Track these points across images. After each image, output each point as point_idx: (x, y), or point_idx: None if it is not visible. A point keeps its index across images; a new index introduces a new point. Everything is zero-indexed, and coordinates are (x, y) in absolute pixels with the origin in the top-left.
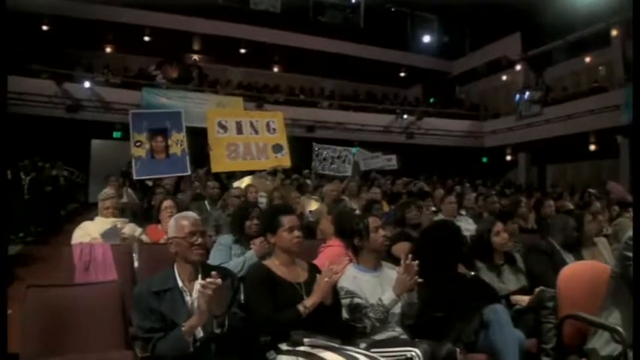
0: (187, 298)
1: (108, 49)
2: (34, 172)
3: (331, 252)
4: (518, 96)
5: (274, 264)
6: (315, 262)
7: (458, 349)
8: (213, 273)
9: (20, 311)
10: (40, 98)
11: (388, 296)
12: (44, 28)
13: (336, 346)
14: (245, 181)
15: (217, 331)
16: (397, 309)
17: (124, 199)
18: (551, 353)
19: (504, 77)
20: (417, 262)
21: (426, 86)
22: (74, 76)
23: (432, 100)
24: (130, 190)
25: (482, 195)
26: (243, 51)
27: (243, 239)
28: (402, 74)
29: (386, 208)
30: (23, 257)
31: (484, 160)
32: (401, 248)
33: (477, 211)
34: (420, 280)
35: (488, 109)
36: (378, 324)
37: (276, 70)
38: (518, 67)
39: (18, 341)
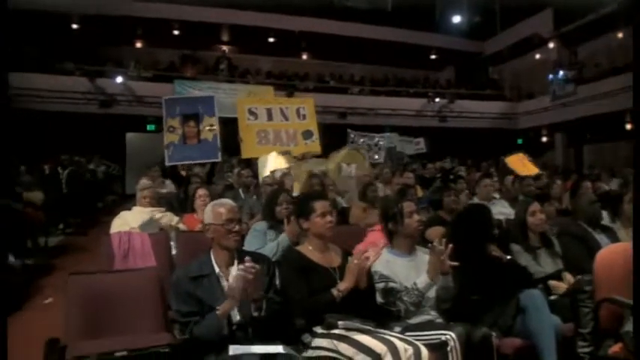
0: (224, 284)
1: (138, 44)
2: (72, 167)
3: (373, 237)
4: (551, 76)
5: (308, 249)
6: (359, 245)
7: (494, 334)
8: (248, 258)
9: (62, 298)
10: (75, 95)
11: (423, 280)
12: (74, 26)
13: (371, 329)
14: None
15: (255, 314)
16: (432, 293)
17: (165, 190)
18: (587, 337)
19: (537, 56)
20: (449, 245)
21: (457, 68)
22: (106, 72)
23: (464, 82)
24: (168, 180)
25: (517, 178)
26: (271, 40)
27: (276, 225)
28: (433, 57)
29: (420, 192)
30: (63, 248)
31: (519, 141)
32: (435, 232)
33: (512, 195)
34: (455, 263)
35: (522, 89)
36: (413, 308)
37: (305, 57)
38: (551, 45)
39: (59, 327)
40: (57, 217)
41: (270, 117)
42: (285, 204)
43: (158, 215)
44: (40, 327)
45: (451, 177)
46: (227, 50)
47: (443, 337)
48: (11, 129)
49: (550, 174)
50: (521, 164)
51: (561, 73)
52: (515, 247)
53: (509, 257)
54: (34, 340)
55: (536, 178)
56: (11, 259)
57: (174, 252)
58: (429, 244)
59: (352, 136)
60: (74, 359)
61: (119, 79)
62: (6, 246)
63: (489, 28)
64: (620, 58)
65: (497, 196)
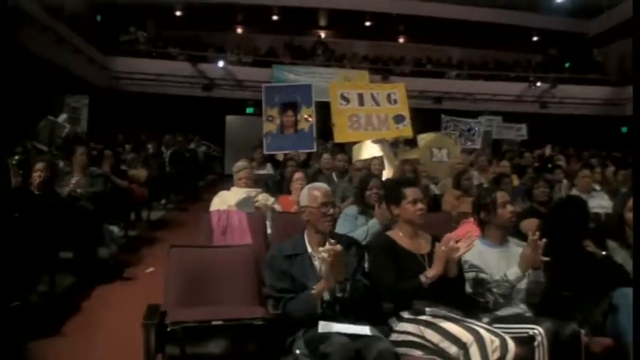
0: (316, 263)
1: (238, 30)
2: (175, 147)
3: (467, 228)
4: None
5: (398, 235)
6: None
7: (583, 331)
8: (331, 240)
9: (162, 268)
10: (178, 79)
11: (513, 272)
12: (177, 14)
13: (458, 317)
14: (363, 149)
15: (339, 294)
16: (522, 285)
17: (263, 171)
18: None
19: None
20: (543, 239)
21: (560, 50)
22: (208, 57)
23: (567, 65)
24: (269, 163)
25: (620, 169)
26: (368, 24)
27: (366, 209)
28: (535, 38)
29: (516, 181)
30: (164, 222)
31: (624, 130)
32: (529, 225)
33: (613, 187)
34: (547, 258)
35: (628, 72)
36: (502, 300)
37: (401, 41)
38: None
39: (159, 295)
40: (159, 193)
41: (361, 102)
42: (376, 189)
43: (254, 194)
44: (141, 294)
45: (549, 166)
46: (324, 35)
47: (531, 332)
48: (118, 110)
49: None
50: None
51: None
52: (612, 244)
53: (604, 253)
54: (137, 306)
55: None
56: (115, 229)
57: (269, 231)
58: (526, 236)
59: (446, 120)
60: (173, 324)
61: (220, 64)
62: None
63: (595, 6)
64: None
65: (597, 187)
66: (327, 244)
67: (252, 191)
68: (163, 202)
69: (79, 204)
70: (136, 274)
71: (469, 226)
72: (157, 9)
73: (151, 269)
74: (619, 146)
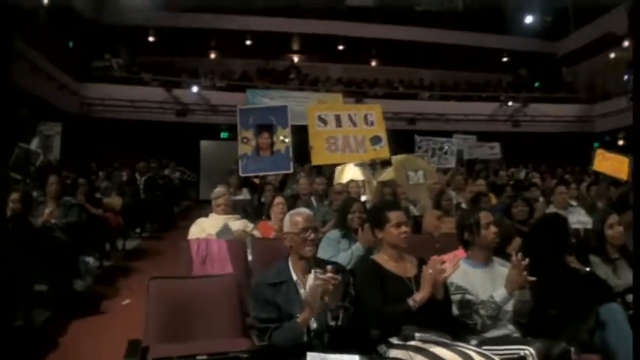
0: (301, 291)
1: (212, 55)
2: (149, 173)
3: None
4: (627, 76)
5: (383, 259)
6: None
7: (572, 349)
8: (329, 267)
9: (140, 301)
10: (152, 105)
11: (500, 293)
12: (151, 39)
13: (448, 341)
14: (345, 172)
15: (332, 323)
16: (509, 306)
17: (240, 197)
18: None
19: (612, 55)
20: (526, 259)
21: (530, 70)
22: (182, 82)
23: (537, 84)
24: (245, 188)
25: (593, 184)
26: (341, 47)
27: (349, 233)
28: (505, 59)
29: (493, 200)
30: (140, 251)
31: (596, 145)
32: (511, 245)
33: (589, 202)
34: (533, 278)
35: (597, 90)
36: (489, 321)
37: (374, 64)
38: (626, 43)
39: (138, 328)
40: (134, 222)
41: (339, 123)
42: (358, 213)
43: (233, 222)
44: (119, 327)
45: (525, 184)
46: (297, 59)
47: (521, 352)
48: (91, 137)
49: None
50: (609, 164)
51: None
52: (594, 259)
53: (587, 269)
54: (116, 340)
55: (617, 184)
56: (90, 260)
57: (250, 258)
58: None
59: (418, 140)
60: None
61: (194, 89)
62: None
63: (562, 28)
64: None
65: (574, 203)
66: (313, 271)
67: (231, 218)
68: (138, 230)
69: (54, 235)
70: (113, 306)
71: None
72: (129, 35)
73: (127, 301)
74: (591, 162)
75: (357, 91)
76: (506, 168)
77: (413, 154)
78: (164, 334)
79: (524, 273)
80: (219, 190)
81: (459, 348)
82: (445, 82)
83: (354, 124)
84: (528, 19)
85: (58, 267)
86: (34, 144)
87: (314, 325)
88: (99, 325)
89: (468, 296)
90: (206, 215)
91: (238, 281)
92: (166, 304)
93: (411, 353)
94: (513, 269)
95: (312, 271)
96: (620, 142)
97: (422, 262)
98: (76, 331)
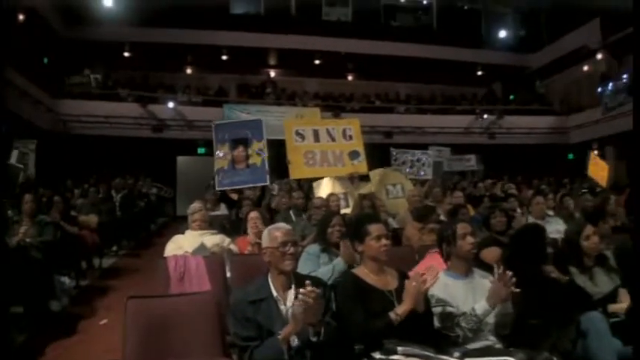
0: (282, 307)
1: (188, 70)
2: (125, 190)
3: (431, 260)
4: (600, 89)
5: (364, 272)
6: (416, 268)
7: (555, 358)
8: (308, 282)
9: (118, 320)
10: (128, 120)
11: (481, 306)
12: (126, 54)
13: (431, 354)
14: (324, 185)
15: (313, 339)
16: (490, 318)
17: (217, 212)
18: None
19: (585, 68)
20: (510, 272)
21: (505, 84)
22: (158, 97)
23: (511, 97)
24: (223, 204)
25: (567, 195)
26: (317, 62)
27: (328, 248)
28: (480, 73)
29: (471, 211)
30: (116, 270)
31: (570, 156)
32: (490, 254)
33: (566, 212)
34: (517, 289)
35: (571, 102)
36: (471, 334)
37: (350, 78)
38: (599, 56)
39: (116, 348)
40: (111, 240)
41: (317, 138)
42: (338, 226)
43: (208, 237)
44: (97, 349)
45: (502, 195)
46: (274, 74)
47: None
48: (67, 153)
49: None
50: (596, 170)
51: (611, 84)
52: (572, 269)
53: (567, 278)
54: None
55: (593, 192)
56: (66, 280)
57: (228, 275)
58: (488, 266)
59: (394, 153)
60: None
61: (170, 105)
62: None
63: (536, 41)
64: None
65: (551, 213)
66: (294, 286)
67: (207, 233)
68: (115, 248)
69: (29, 254)
70: (90, 327)
71: (431, 259)
72: (105, 50)
73: (104, 321)
74: (566, 173)
75: (334, 105)
76: (483, 180)
77: (390, 168)
78: (143, 354)
79: (508, 286)
80: (196, 205)
81: None
82: (421, 95)
83: (333, 139)
84: (502, 34)
85: (33, 287)
86: (13, 157)
87: (295, 341)
88: (76, 346)
89: (449, 308)
90: (183, 232)
91: (217, 298)
92: (144, 323)
93: None
94: (497, 283)
95: (292, 286)
96: (595, 153)
97: (402, 274)
98: (53, 352)
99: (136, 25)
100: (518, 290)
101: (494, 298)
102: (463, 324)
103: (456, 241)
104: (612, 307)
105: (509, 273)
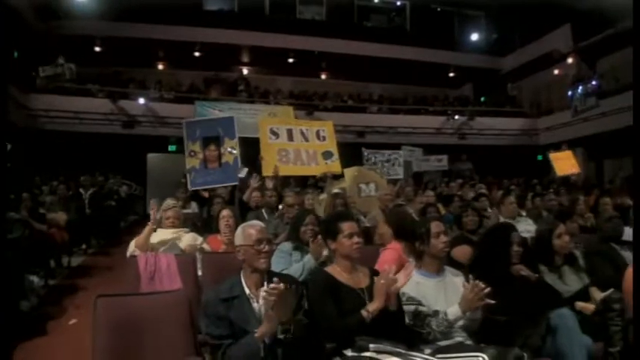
0: (255, 305)
1: (160, 66)
2: (94, 187)
3: (386, 256)
4: (570, 92)
5: (336, 270)
6: (376, 266)
7: (525, 355)
8: (275, 279)
9: (87, 320)
10: (97, 116)
11: (453, 312)
12: (97, 49)
13: (402, 351)
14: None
15: (281, 337)
16: (460, 323)
17: (190, 210)
18: (617, 357)
19: (556, 71)
20: (483, 285)
21: (476, 85)
22: (129, 93)
23: (483, 99)
24: (194, 202)
25: (538, 195)
26: (291, 60)
27: (301, 246)
28: (452, 74)
29: (442, 211)
30: (86, 268)
31: (539, 157)
32: (461, 252)
33: (536, 212)
34: (492, 301)
35: (541, 105)
36: (440, 336)
37: (324, 77)
38: (569, 60)
39: (85, 349)
40: (80, 238)
41: (290, 137)
42: (311, 225)
43: (181, 236)
44: (67, 349)
45: (473, 195)
46: (247, 71)
47: None
48: (36, 149)
49: (572, 189)
50: (564, 163)
51: (580, 87)
52: (541, 267)
53: (536, 276)
54: None
55: (557, 193)
56: (34, 279)
57: (200, 273)
58: (459, 264)
59: (366, 154)
60: None
61: (141, 101)
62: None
63: (508, 44)
64: None
65: (523, 213)
66: (266, 283)
67: (180, 231)
68: (84, 246)
69: None
70: (60, 327)
71: (388, 254)
72: (76, 45)
73: (74, 321)
74: (535, 173)
75: (307, 104)
76: (455, 180)
77: (366, 167)
78: (113, 354)
79: (479, 296)
80: (170, 202)
81: (414, 357)
82: (394, 96)
83: (306, 139)
84: (475, 36)
85: (2, 286)
86: None
87: (267, 339)
88: (47, 349)
89: (420, 307)
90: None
91: (188, 297)
92: (114, 323)
93: None
94: (469, 291)
95: (265, 284)
96: (563, 147)
97: (374, 272)
98: (22, 353)
99: (108, 19)
100: (492, 302)
101: (466, 306)
102: (434, 326)
103: (429, 240)
104: (579, 305)
105: (482, 284)
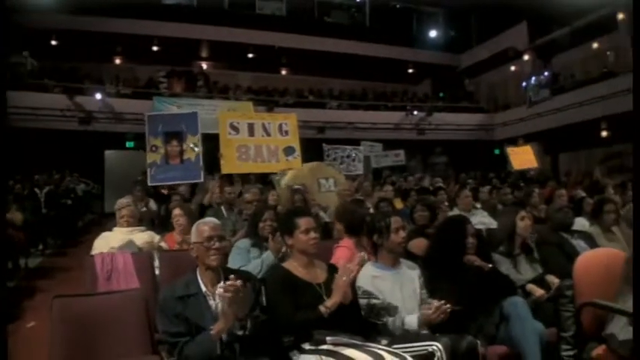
0: (211, 302)
1: (117, 61)
2: (50, 186)
3: (339, 253)
4: (524, 83)
5: (293, 266)
6: (332, 261)
7: (479, 342)
8: (232, 276)
9: (44, 322)
10: (53, 112)
11: (410, 322)
12: (53, 43)
13: (359, 343)
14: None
15: (239, 333)
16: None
17: (145, 209)
18: (570, 341)
19: (513, 68)
20: (448, 305)
21: (435, 81)
22: (85, 88)
23: (441, 94)
24: (152, 200)
25: (495, 188)
26: (251, 56)
27: (259, 242)
28: (411, 71)
29: (400, 205)
30: (43, 269)
31: (496, 152)
32: (417, 245)
33: (492, 204)
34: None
35: (498, 100)
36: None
37: (284, 72)
38: (526, 57)
39: (43, 352)
40: (36, 238)
41: (251, 132)
42: (269, 221)
43: (137, 234)
44: (24, 353)
45: (431, 189)
46: (206, 66)
47: (430, 348)
48: None
49: (527, 182)
50: (521, 157)
51: (534, 78)
52: (496, 256)
53: (490, 266)
54: None
55: (514, 187)
56: None
57: (157, 272)
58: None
59: (327, 149)
60: None
61: (98, 96)
62: None
63: (465, 41)
64: (594, 68)
65: (478, 206)
66: (223, 280)
67: (136, 230)
68: (41, 247)
69: None
70: (17, 330)
71: (341, 252)
72: (32, 38)
73: (32, 324)
74: (492, 167)
75: (267, 99)
76: (413, 174)
77: (325, 162)
78: (70, 354)
79: (443, 314)
80: (123, 200)
81: (371, 348)
82: (354, 91)
83: (268, 134)
84: (433, 33)
85: None
86: None
87: (224, 336)
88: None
89: (374, 301)
90: (111, 229)
91: (145, 296)
92: (71, 323)
93: (324, 357)
94: (433, 314)
95: (221, 281)
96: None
97: (331, 267)
98: None
99: (65, 12)
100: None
101: (426, 322)
102: (390, 327)
103: (389, 234)
104: (529, 287)
105: (446, 306)
